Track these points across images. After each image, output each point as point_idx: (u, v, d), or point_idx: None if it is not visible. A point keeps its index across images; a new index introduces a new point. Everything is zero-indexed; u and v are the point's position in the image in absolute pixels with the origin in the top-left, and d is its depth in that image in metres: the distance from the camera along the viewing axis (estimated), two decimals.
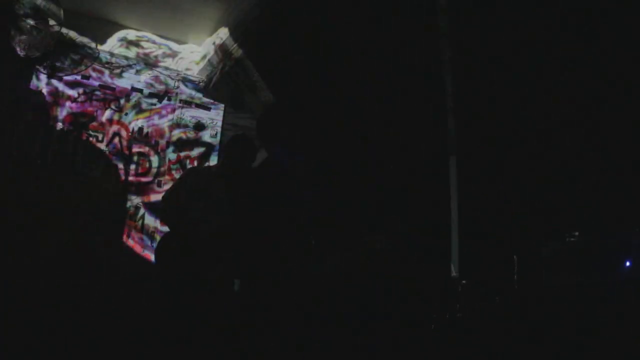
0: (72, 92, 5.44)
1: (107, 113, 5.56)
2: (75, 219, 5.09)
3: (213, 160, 5.98)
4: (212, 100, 6.05)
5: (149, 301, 4.21)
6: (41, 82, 5.30)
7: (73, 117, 5.39)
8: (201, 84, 5.96)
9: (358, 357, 2.62)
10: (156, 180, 5.66)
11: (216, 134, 6.06)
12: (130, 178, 5.54)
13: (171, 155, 5.79)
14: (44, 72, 5.20)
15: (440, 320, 3.35)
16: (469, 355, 3.08)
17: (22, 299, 4.22)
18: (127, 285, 4.84)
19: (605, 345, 2.77)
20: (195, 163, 5.87)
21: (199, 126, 5.99)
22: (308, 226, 2.80)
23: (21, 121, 5.18)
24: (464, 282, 3.60)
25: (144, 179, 5.61)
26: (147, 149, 5.68)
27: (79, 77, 5.46)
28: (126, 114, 5.64)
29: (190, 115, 5.98)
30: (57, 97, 5.39)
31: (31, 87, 5.28)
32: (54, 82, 5.39)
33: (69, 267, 4.78)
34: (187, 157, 5.87)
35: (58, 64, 5.22)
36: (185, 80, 5.96)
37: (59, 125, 5.31)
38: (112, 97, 5.60)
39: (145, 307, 4.09)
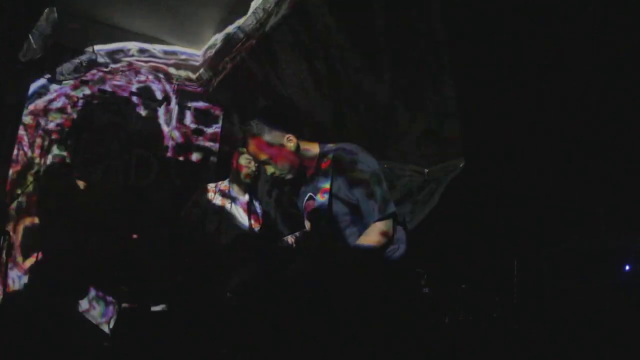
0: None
1: (107, 116, 5.56)
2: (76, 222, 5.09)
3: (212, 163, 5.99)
4: (211, 105, 6.07)
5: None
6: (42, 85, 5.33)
7: (72, 120, 5.40)
8: (201, 88, 5.97)
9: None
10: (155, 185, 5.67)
11: (215, 139, 6.07)
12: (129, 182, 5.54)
13: (170, 159, 5.79)
14: (45, 76, 5.22)
15: (439, 324, 3.35)
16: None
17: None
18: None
19: (605, 349, 2.77)
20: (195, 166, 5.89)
21: (198, 131, 6.00)
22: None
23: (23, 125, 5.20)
24: (463, 286, 3.59)
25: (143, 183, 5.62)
26: (146, 152, 5.68)
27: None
28: (125, 118, 5.64)
29: (189, 119, 5.99)
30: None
31: (31, 90, 5.30)
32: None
33: (68, 270, 4.77)
34: (187, 161, 5.88)
35: (58, 69, 5.24)
36: (185, 84, 5.97)
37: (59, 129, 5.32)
38: (112, 100, 5.61)
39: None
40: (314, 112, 4.85)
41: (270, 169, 2.71)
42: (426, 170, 4.53)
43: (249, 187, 4.17)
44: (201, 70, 5.83)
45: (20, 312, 3.86)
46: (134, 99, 5.70)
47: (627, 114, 2.92)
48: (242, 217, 4.07)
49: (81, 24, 5.36)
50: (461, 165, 4.10)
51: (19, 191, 4.84)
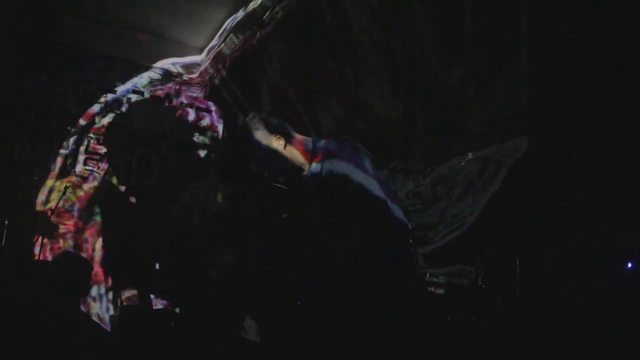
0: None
1: (108, 116, 5.57)
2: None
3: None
4: (213, 103, 6.07)
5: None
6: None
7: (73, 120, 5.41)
8: (203, 85, 5.97)
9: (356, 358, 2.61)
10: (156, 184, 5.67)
11: (217, 138, 6.08)
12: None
13: (171, 157, 5.80)
14: (114, 89, 5.31)
15: (440, 324, 3.34)
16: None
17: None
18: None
19: (605, 349, 2.76)
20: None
21: (200, 129, 6.01)
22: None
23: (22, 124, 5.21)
24: (465, 284, 3.58)
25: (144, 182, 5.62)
26: (148, 152, 5.69)
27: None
28: (126, 117, 5.65)
29: (191, 118, 6.00)
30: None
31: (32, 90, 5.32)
32: None
33: (67, 271, 4.78)
34: (188, 160, 5.88)
35: (130, 82, 5.32)
36: (186, 83, 5.98)
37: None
38: (113, 99, 5.61)
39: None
40: (385, 110, 4.60)
41: (260, 167, 2.75)
42: (485, 152, 4.18)
43: (239, 183, 4.18)
44: (232, 35, 5.37)
45: (20, 312, 3.86)
46: (136, 97, 5.71)
47: (627, 114, 2.91)
48: (227, 211, 4.07)
49: (81, 24, 5.37)
50: (524, 147, 3.79)
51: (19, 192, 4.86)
